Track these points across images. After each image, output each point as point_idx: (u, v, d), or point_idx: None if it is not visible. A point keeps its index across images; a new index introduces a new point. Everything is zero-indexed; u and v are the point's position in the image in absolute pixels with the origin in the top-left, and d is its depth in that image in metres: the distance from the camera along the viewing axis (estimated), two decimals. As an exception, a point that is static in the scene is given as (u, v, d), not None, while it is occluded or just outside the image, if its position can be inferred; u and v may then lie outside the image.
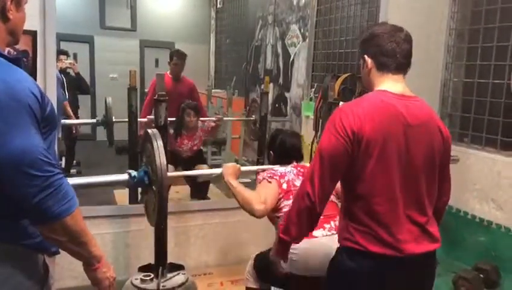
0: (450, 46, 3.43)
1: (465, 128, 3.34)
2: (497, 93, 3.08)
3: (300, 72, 4.69)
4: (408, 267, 1.52)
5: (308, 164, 2.41)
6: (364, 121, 1.45)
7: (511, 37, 2.98)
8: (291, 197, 2.12)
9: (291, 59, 4.89)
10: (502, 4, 3.07)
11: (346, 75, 3.65)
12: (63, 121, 3.97)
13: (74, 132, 4.73)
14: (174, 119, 4.09)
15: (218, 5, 7.83)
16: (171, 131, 4.03)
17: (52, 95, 2.36)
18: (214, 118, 4.55)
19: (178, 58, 4.50)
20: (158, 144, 2.01)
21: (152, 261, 2.28)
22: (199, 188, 4.24)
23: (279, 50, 5.22)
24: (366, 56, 1.58)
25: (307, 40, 4.51)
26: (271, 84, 5.09)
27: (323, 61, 4.30)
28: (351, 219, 1.53)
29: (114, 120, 4.09)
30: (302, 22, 4.68)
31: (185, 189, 4.31)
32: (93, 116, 7.31)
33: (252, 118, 4.60)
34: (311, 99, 4.25)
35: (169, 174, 2.11)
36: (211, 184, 4.79)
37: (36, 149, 1.14)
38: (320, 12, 4.33)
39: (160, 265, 2.22)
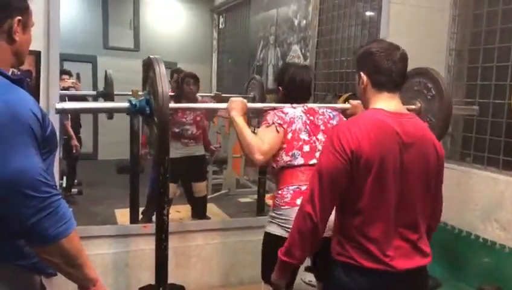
0: (451, 66, 3.45)
1: (467, 148, 3.34)
2: (498, 113, 3.09)
3: (301, 92, 4.70)
4: (401, 283, 1.52)
5: (316, 105, 2.35)
6: (361, 140, 1.46)
7: (510, 57, 3.00)
8: (290, 153, 2.09)
9: (292, 79, 4.91)
10: (501, 25, 3.10)
11: (347, 94, 3.66)
12: (61, 92, 3.87)
13: (75, 151, 4.73)
14: (173, 94, 3.92)
15: (220, 26, 7.92)
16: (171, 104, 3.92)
17: (54, 116, 2.36)
18: (212, 94, 4.51)
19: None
20: (161, 70, 1.91)
21: (153, 281, 2.26)
22: (195, 204, 4.18)
23: (281, 70, 5.25)
24: (362, 73, 1.59)
25: (308, 60, 4.54)
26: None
27: (325, 81, 4.33)
28: (345, 234, 1.54)
29: (115, 93, 3.94)
30: (303, 42, 4.72)
31: (186, 209, 4.30)
32: (95, 135, 7.34)
33: (250, 96, 4.56)
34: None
35: (171, 105, 2.02)
36: (213, 204, 4.78)
37: (35, 170, 1.13)
38: (321, 33, 4.37)
39: (161, 286, 2.19)
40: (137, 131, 3.73)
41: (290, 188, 2.06)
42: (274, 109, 2.22)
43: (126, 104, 2.02)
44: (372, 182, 1.46)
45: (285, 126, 2.11)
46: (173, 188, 3.76)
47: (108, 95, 3.91)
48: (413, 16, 3.33)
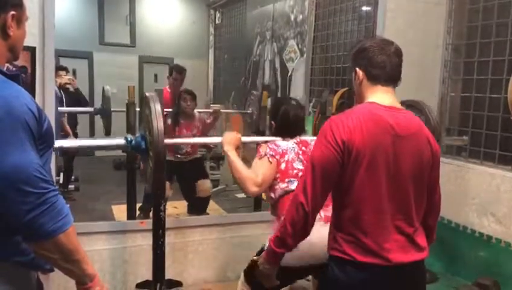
0: (447, 61, 3.45)
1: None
2: (494, 108, 3.09)
3: (298, 87, 4.71)
4: (397, 277, 1.53)
5: (309, 137, 2.38)
6: (353, 132, 1.47)
7: (506, 51, 3.00)
8: (286, 180, 2.12)
9: (289, 74, 4.91)
10: (497, 19, 3.10)
11: (344, 89, 3.66)
12: (60, 108, 3.88)
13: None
14: (170, 110, 3.98)
15: (217, 21, 7.89)
16: (169, 121, 3.94)
17: (50, 112, 2.36)
18: (210, 110, 4.49)
19: (178, 72, 4.50)
20: (156, 108, 1.95)
21: (150, 277, 2.27)
22: (198, 204, 4.19)
23: (277, 65, 5.25)
24: (357, 68, 1.61)
25: (305, 55, 4.53)
26: (269, 99, 5.10)
27: (321, 76, 4.32)
28: (339, 228, 1.55)
29: (112, 110, 3.99)
30: (300, 37, 4.71)
31: (183, 204, 4.30)
32: (92, 131, 7.31)
33: (248, 112, 4.55)
34: (309, 113, 4.26)
35: (166, 141, 2.05)
36: (210, 200, 4.77)
37: (31, 165, 1.13)
38: (318, 27, 4.37)
39: (158, 282, 2.20)
40: (134, 127, 3.72)
41: None
42: (267, 142, 2.26)
43: (122, 141, 2.07)
44: (363, 174, 1.48)
45: (277, 157, 2.15)
46: (167, 187, 3.78)
47: (105, 112, 3.97)
48: (410, 11, 3.33)
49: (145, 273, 2.62)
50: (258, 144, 2.33)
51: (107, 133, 4.16)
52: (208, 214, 4.17)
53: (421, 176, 1.56)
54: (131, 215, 3.62)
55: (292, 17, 4.90)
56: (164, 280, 2.24)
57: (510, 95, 2.86)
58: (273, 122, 2.37)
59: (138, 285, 2.52)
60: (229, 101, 6.59)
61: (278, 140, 2.26)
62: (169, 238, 2.51)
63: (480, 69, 3.22)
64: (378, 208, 1.50)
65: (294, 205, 1.53)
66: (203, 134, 4.35)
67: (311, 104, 4.30)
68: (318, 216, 1.96)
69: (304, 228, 1.55)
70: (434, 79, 3.46)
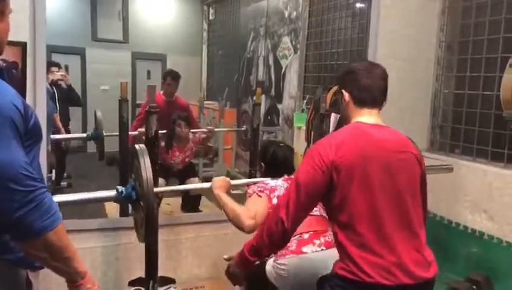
0: (440, 58, 3.46)
1: (456, 139, 3.36)
2: (487, 105, 3.10)
3: (292, 84, 4.70)
4: None
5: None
6: (341, 149, 1.49)
7: (499, 48, 3.01)
8: None
9: (283, 71, 4.91)
10: (490, 17, 3.11)
11: (337, 87, 3.66)
12: (52, 136, 3.90)
13: (64, 144, 4.68)
14: (165, 131, 4.06)
15: (210, 17, 7.87)
16: (162, 143, 4.00)
17: (42, 108, 2.33)
18: (205, 129, 4.53)
19: (172, 79, 4.48)
20: (145, 160, 2.02)
21: (143, 274, 2.25)
22: (190, 201, 4.20)
23: (271, 62, 5.24)
24: (343, 90, 1.65)
25: (299, 52, 4.53)
26: (263, 96, 5.10)
27: (315, 73, 4.32)
28: (343, 249, 1.53)
29: (105, 134, 4.02)
30: (294, 34, 4.70)
31: (177, 201, 4.28)
32: (84, 128, 7.27)
33: (242, 129, 4.61)
34: (303, 110, 4.26)
35: (156, 189, 2.09)
36: (202, 196, 4.77)
37: (17, 163, 1.11)
38: (312, 24, 4.36)
39: (151, 279, 2.19)
40: (127, 123, 3.70)
41: (293, 239, 2.03)
42: (256, 183, 2.30)
43: (113, 192, 2.10)
44: (356, 189, 1.48)
45: (267, 192, 2.17)
46: (162, 184, 3.78)
47: (98, 137, 3.99)
48: (404, 8, 3.32)
49: (139, 270, 2.61)
50: (247, 185, 2.38)
51: (101, 158, 4.18)
52: (201, 211, 4.17)
53: (415, 190, 1.58)
54: (124, 212, 3.60)
55: (286, 14, 4.89)
56: (157, 277, 2.23)
57: (503, 92, 2.87)
58: (262, 163, 2.43)
59: (131, 282, 2.51)
60: (222, 98, 6.57)
61: (267, 179, 2.30)
62: (163, 236, 2.49)
63: (473, 66, 3.23)
64: (377, 222, 1.48)
65: (275, 219, 1.55)
66: (200, 146, 4.40)
67: (305, 101, 4.30)
68: (318, 241, 2.00)
69: (280, 242, 1.58)
70: (427, 76, 3.46)
